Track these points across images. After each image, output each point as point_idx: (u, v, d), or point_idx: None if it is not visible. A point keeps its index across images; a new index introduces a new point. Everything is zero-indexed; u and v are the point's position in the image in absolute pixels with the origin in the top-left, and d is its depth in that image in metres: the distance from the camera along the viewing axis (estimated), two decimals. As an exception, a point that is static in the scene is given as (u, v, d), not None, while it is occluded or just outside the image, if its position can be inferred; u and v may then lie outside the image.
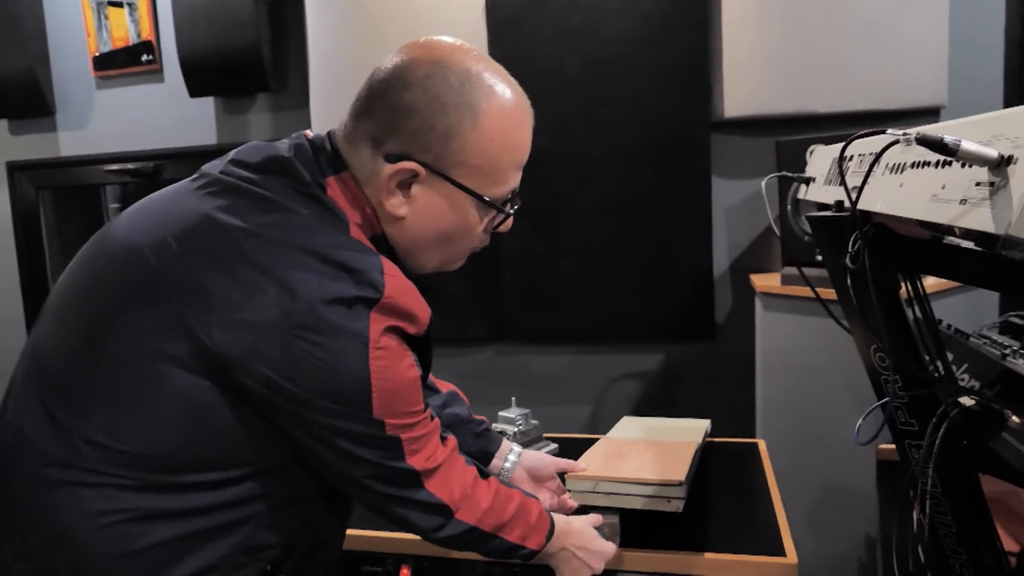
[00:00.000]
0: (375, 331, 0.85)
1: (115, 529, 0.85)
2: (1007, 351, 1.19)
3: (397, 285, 0.89)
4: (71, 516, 0.86)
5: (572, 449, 1.73)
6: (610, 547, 1.29)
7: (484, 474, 1.12)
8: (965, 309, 2.08)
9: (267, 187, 0.90)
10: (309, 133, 1.00)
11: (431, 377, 1.40)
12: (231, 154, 0.97)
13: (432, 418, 0.99)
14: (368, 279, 0.86)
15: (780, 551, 1.36)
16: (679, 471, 1.38)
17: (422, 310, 0.93)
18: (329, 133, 0.99)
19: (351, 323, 0.84)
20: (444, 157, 0.94)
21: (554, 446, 1.86)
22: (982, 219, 0.62)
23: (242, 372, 0.84)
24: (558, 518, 1.24)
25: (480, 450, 1.42)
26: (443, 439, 1.04)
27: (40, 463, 0.87)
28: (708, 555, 1.36)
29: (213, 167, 0.96)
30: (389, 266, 0.90)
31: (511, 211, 1.03)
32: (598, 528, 1.39)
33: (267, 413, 0.87)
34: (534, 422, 1.87)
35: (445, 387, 1.45)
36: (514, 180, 1.02)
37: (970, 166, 0.68)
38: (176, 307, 0.84)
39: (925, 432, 1.06)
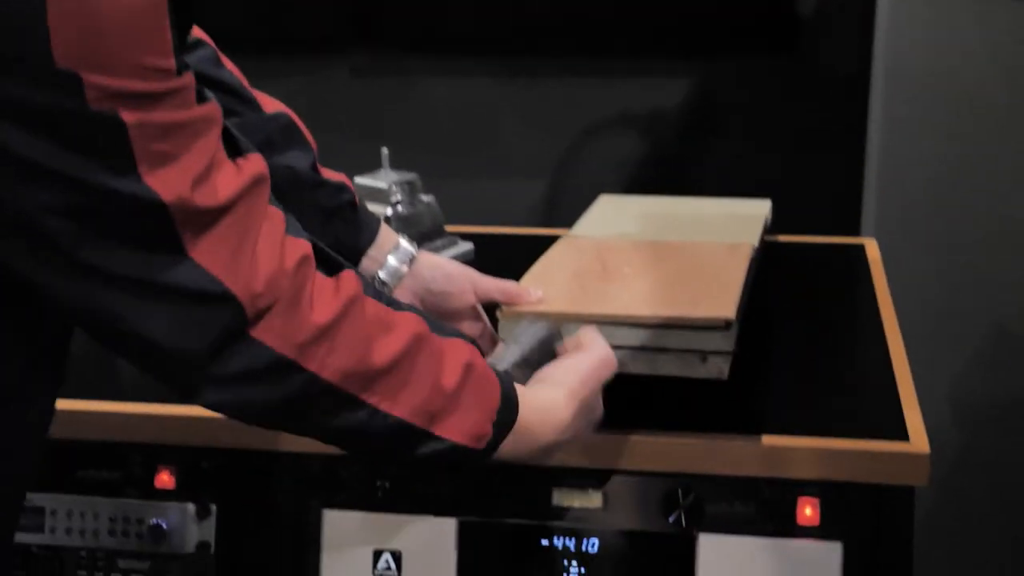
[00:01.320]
0: None
1: None
2: None
3: None
4: None
5: (503, 254, 1.21)
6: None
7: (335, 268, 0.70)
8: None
9: None
10: None
11: (243, 81, 0.95)
12: None
13: (205, 101, 0.62)
14: None
15: (899, 431, 0.89)
16: (721, 302, 0.88)
17: None
18: None
19: None
20: None
21: (467, 247, 1.28)
22: None
23: None
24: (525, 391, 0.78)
25: (335, 241, 0.91)
26: (240, 152, 0.65)
27: None
28: (764, 440, 0.86)
29: None
30: None
31: None
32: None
33: None
34: (426, 199, 1.23)
35: (272, 105, 0.95)
36: None
37: None
38: None
39: None
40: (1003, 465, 1.61)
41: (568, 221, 1.23)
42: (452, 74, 1.83)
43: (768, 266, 1.11)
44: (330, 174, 0.93)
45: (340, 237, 0.88)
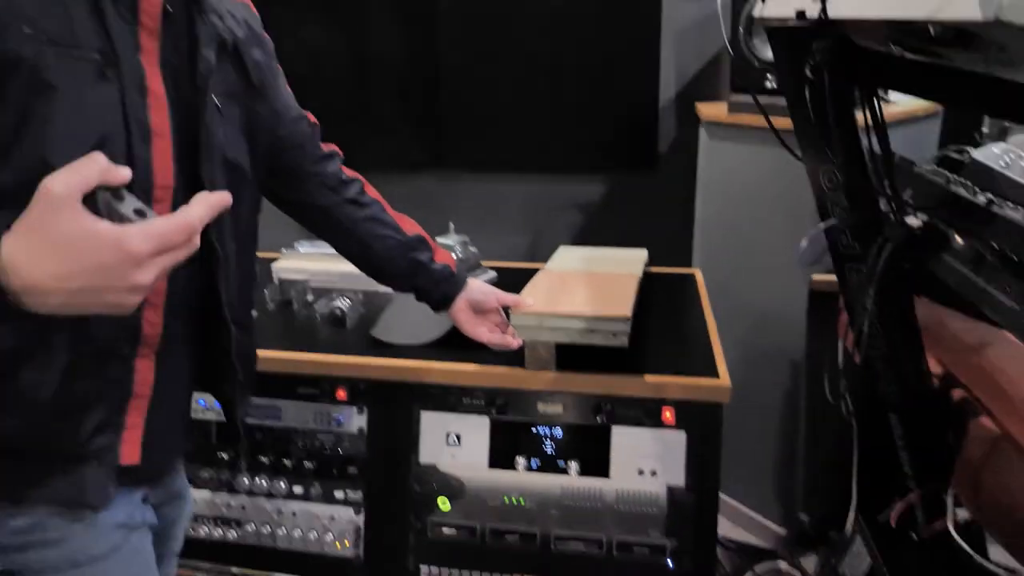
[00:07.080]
0: None
1: None
2: (950, 178, 1.17)
3: None
4: None
5: (510, 278, 1.67)
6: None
7: None
8: (904, 145, 2.04)
9: None
10: None
11: (390, 211, 1.23)
12: None
13: None
14: None
15: (714, 373, 1.39)
16: (624, 306, 1.37)
17: None
18: None
19: None
20: None
21: (492, 274, 1.83)
22: (966, 6, 0.56)
23: None
24: None
25: (442, 296, 1.30)
26: None
27: None
28: (646, 377, 1.38)
29: None
30: None
31: None
32: (532, 350, 1.37)
33: None
34: (473, 249, 1.82)
35: (412, 228, 1.26)
36: None
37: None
38: None
39: (867, 255, 1.05)
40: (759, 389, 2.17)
41: (543, 259, 1.80)
42: (484, 182, 2.69)
43: (645, 283, 1.60)
44: (443, 257, 1.29)
45: (446, 292, 1.29)
